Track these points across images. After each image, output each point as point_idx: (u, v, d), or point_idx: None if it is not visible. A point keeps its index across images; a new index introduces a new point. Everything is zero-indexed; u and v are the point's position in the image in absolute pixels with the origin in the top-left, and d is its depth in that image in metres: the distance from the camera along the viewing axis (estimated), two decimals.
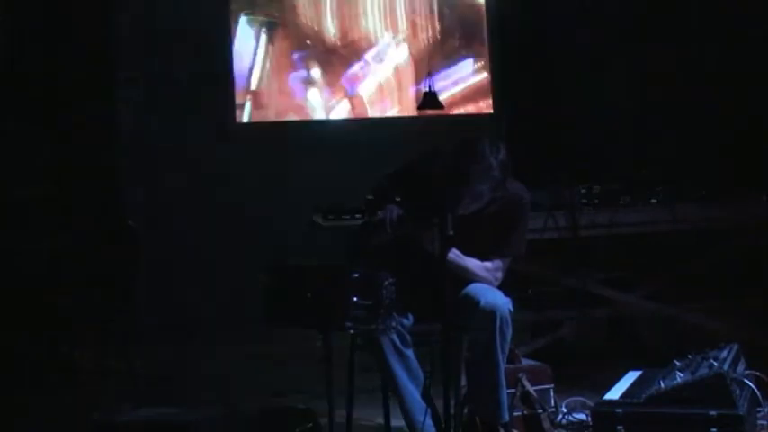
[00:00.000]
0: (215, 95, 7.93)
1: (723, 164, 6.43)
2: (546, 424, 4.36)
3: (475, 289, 4.03)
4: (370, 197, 4.16)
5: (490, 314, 3.91)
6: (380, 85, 8.36)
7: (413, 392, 4.02)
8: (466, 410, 4.16)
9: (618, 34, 7.34)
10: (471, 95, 8.47)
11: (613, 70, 7.36)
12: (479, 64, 8.43)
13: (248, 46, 8.11)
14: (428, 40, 8.29)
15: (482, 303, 3.92)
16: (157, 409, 4.55)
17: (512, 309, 3.99)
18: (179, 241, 7.55)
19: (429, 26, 8.33)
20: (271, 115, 8.22)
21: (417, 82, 8.15)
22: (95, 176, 7.31)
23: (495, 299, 3.97)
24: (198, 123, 7.76)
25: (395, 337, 3.99)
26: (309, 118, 8.27)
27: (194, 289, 7.43)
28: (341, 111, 8.25)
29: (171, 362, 6.32)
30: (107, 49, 7.61)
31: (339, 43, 8.26)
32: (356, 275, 3.75)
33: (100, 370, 6.01)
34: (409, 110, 8.19)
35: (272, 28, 8.18)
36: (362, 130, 8.12)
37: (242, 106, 8.13)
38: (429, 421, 3.99)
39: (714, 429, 3.74)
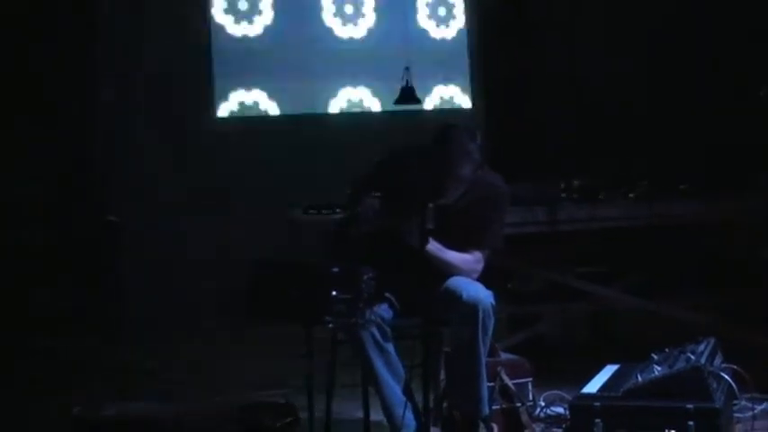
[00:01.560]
0: (194, 90, 7.91)
1: (702, 159, 6.47)
2: (524, 417, 4.37)
3: (456, 282, 4.04)
4: (349, 191, 4.17)
5: (473, 308, 3.92)
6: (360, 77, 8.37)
7: (393, 387, 4.03)
8: (445, 404, 4.18)
9: (597, 32, 7.37)
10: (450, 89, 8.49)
11: (593, 66, 7.39)
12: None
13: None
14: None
15: (464, 297, 3.93)
16: (138, 404, 4.55)
17: (494, 302, 4.00)
18: (160, 237, 7.54)
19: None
20: (250, 110, 8.21)
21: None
22: (76, 172, 7.28)
23: (477, 292, 3.97)
24: (177, 119, 7.75)
25: (375, 331, 3.99)
26: (288, 112, 8.27)
27: (176, 284, 7.42)
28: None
29: (152, 356, 6.31)
30: (85, 46, 7.59)
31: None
32: (336, 270, 3.76)
33: (82, 364, 6.00)
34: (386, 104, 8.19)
35: None
36: (340, 125, 8.13)
37: (222, 101, 8.11)
38: (409, 415, 4.01)
39: (691, 422, 3.76)
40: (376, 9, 8.39)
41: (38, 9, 7.03)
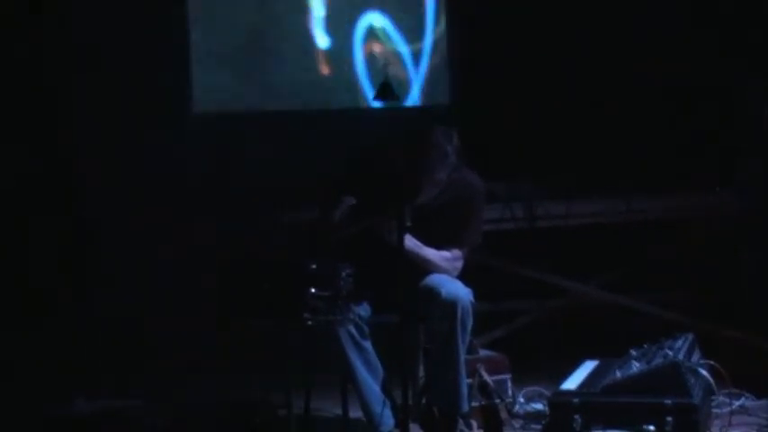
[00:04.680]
0: (170, 85, 7.86)
1: (678, 155, 6.49)
2: (503, 414, 4.37)
3: (436, 280, 4.04)
4: (323, 188, 4.17)
5: (452, 305, 3.92)
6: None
7: (371, 384, 4.02)
8: (424, 401, 4.17)
9: (574, 26, 7.37)
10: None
11: (569, 62, 7.39)
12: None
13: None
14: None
15: (444, 294, 3.93)
16: (112, 402, 4.52)
17: (473, 300, 4.00)
18: (134, 232, 7.48)
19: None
20: (227, 105, 8.16)
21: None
22: (50, 170, 7.22)
23: (456, 290, 3.98)
24: (153, 113, 7.69)
25: (353, 328, 3.99)
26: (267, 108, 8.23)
27: (151, 281, 7.37)
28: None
29: (126, 354, 6.27)
30: (58, 34, 7.52)
31: None
32: (313, 267, 3.75)
33: (53, 361, 5.95)
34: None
35: None
36: (319, 121, 8.09)
37: (197, 95, 8.05)
38: (387, 412, 4.00)
39: (669, 418, 3.78)
40: None
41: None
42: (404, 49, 8.32)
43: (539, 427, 4.37)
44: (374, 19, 8.09)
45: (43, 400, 4.86)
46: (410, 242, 3.96)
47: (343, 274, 3.78)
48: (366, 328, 4.04)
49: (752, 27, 6.43)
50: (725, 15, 6.71)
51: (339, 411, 4.19)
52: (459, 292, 3.97)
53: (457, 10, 8.29)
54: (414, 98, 8.35)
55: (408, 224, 3.76)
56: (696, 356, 4.29)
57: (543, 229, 5.64)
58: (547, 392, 4.47)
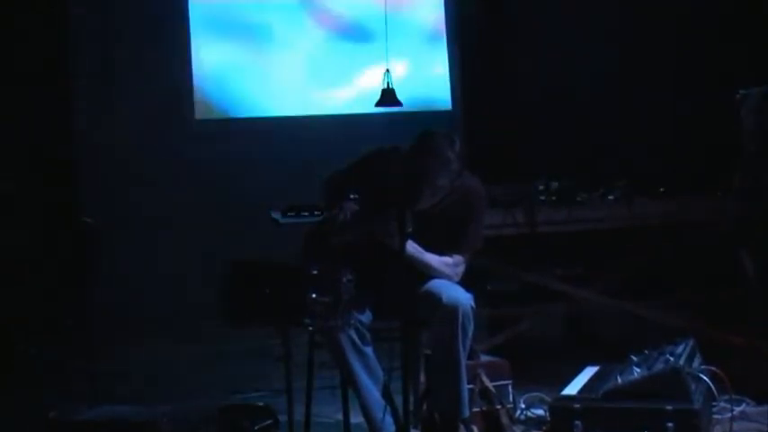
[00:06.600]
0: (173, 90, 7.88)
1: (680, 160, 6.49)
2: (504, 419, 4.37)
3: (436, 285, 4.03)
4: (323, 193, 4.18)
5: (452, 310, 3.91)
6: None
7: (372, 389, 4.02)
8: (425, 406, 4.17)
9: (575, 31, 7.39)
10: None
11: (571, 67, 7.40)
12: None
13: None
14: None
15: (444, 299, 3.93)
16: (115, 408, 4.52)
17: (474, 305, 3.99)
18: (137, 239, 7.50)
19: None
20: (229, 111, 8.18)
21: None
22: (52, 173, 7.23)
23: (457, 295, 3.97)
24: (156, 119, 7.71)
25: (353, 333, 3.98)
26: (268, 114, 8.25)
27: (152, 286, 7.38)
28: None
29: (129, 360, 6.28)
30: (63, 42, 7.54)
31: None
32: (315, 272, 3.75)
33: (56, 368, 5.96)
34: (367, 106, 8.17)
35: None
36: (321, 127, 8.11)
37: (201, 101, 8.07)
38: (388, 418, 4.00)
39: (670, 424, 3.78)
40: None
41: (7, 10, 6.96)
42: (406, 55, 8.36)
43: None
44: None
45: (45, 405, 4.85)
46: (411, 247, 3.96)
47: (345, 279, 3.77)
48: (367, 334, 4.04)
49: (752, 29, 6.44)
50: (725, 17, 6.72)
51: (340, 417, 4.20)
52: (460, 297, 3.97)
53: (460, 15, 8.32)
54: (416, 103, 8.37)
55: (409, 229, 3.75)
56: (697, 362, 4.29)
57: (544, 234, 5.63)
58: (548, 398, 4.48)
